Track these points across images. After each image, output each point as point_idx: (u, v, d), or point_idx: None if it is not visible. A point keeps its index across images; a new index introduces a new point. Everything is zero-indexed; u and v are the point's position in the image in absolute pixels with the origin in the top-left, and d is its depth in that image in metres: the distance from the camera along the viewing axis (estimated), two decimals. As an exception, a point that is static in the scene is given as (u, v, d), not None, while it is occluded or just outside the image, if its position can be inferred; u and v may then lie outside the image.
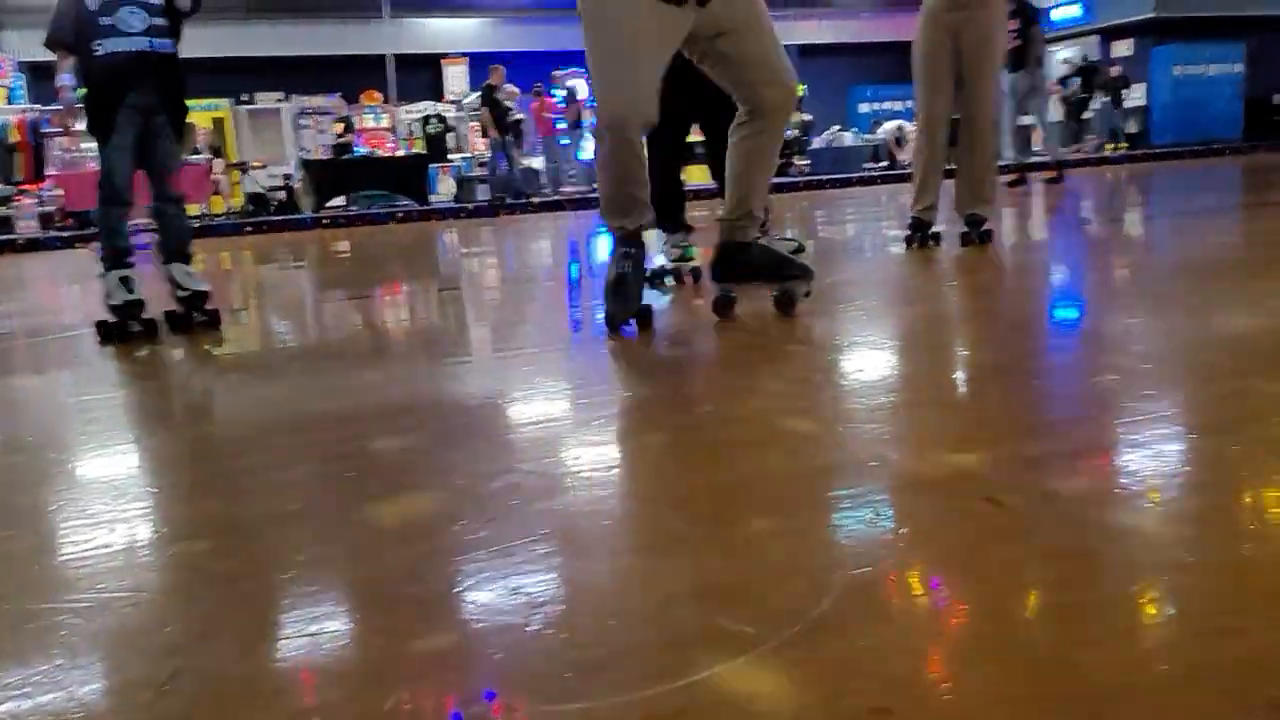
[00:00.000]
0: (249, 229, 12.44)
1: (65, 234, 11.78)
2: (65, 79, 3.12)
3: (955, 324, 2.77)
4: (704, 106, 3.51)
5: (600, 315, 2.65)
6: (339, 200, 14.05)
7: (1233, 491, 1.24)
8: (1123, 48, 19.62)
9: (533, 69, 17.78)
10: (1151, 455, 1.37)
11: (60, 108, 3.25)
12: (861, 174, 16.34)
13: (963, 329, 2.70)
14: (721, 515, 1.23)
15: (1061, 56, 21.90)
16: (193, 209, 13.66)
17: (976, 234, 4.34)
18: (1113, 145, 18.41)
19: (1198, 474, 1.32)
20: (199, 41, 16.02)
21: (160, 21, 3.12)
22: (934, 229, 4.46)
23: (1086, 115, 19.14)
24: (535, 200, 13.29)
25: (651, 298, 2.84)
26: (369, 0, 17.18)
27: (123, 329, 3.12)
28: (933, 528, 1.16)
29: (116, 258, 3.18)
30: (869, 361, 2.21)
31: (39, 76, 17.19)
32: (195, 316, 3.26)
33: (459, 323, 3.58)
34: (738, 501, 1.28)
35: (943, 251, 4.28)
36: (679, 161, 3.62)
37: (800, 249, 3.66)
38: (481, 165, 17.15)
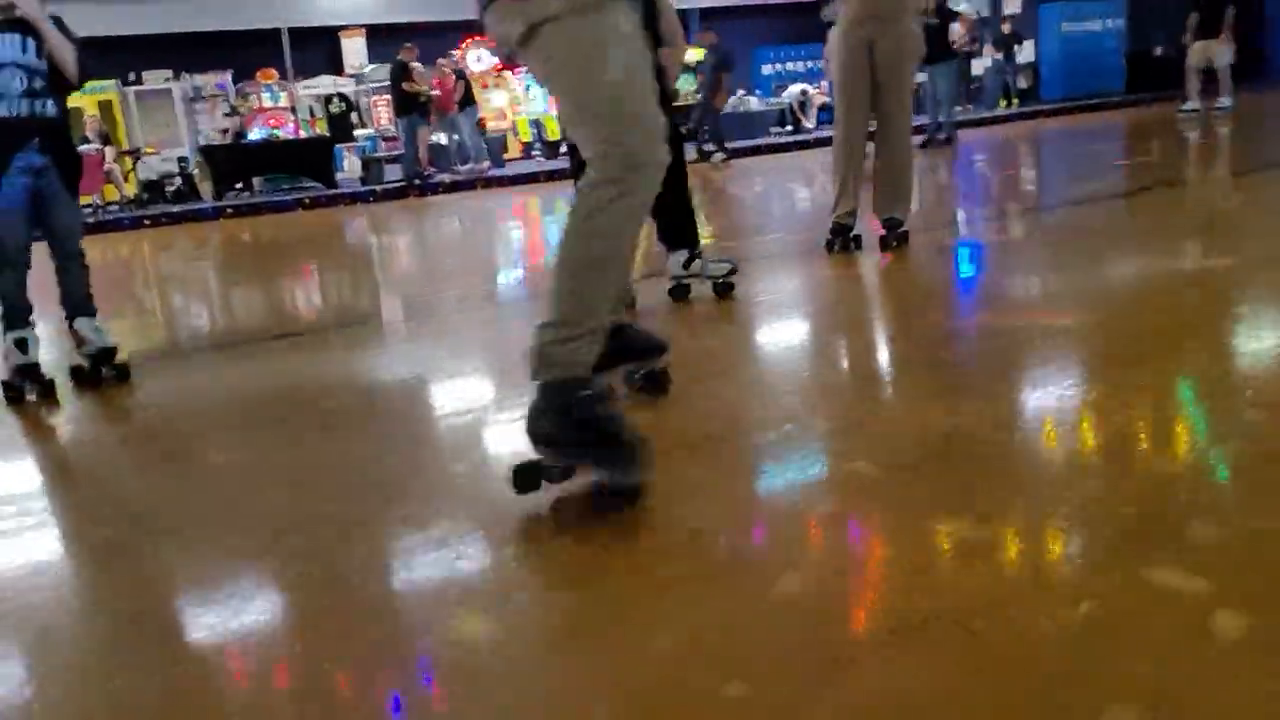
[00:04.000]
0: (147, 221, 12.02)
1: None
2: None
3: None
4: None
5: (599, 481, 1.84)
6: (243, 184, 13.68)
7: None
8: (1012, 4, 20.19)
9: (434, 40, 17.45)
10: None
11: None
12: (771, 140, 16.52)
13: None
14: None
15: (956, 8, 22.54)
16: (85, 199, 13.14)
17: (894, 236, 4.55)
18: (1005, 102, 19.02)
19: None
20: (81, 20, 15.24)
21: (41, 84, 3.08)
22: (854, 233, 4.65)
23: (977, 73, 19.74)
24: (447, 180, 13.13)
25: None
26: (259, -33, 16.53)
27: (19, 394, 3.13)
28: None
29: (12, 319, 3.17)
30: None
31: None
32: (104, 372, 3.25)
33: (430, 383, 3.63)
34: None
35: (862, 256, 4.49)
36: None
37: (734, 270, 3.81)
38: (386, 140, 16.85)
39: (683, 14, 22.13)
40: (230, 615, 1.52)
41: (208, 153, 13.61)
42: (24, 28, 3.05)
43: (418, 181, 12.96)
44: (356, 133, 16.48)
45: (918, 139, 10.57)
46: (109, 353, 3.26)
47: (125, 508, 2.16)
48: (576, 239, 1.83)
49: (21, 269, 3.16)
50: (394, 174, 14.12)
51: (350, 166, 15.18)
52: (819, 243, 4.66)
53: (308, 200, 12.65)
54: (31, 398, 3.15)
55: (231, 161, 13.47)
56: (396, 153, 14.92)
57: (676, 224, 3.78)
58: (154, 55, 17.31)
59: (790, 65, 21.33)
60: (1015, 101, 19.00)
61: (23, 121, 3.06)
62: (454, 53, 16.69)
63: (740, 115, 18.42)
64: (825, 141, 13.65)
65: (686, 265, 3.79)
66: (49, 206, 3.17)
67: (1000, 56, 19.06)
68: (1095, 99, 18.07)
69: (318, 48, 18.49)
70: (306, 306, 5.03)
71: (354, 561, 1.70)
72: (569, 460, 1.85)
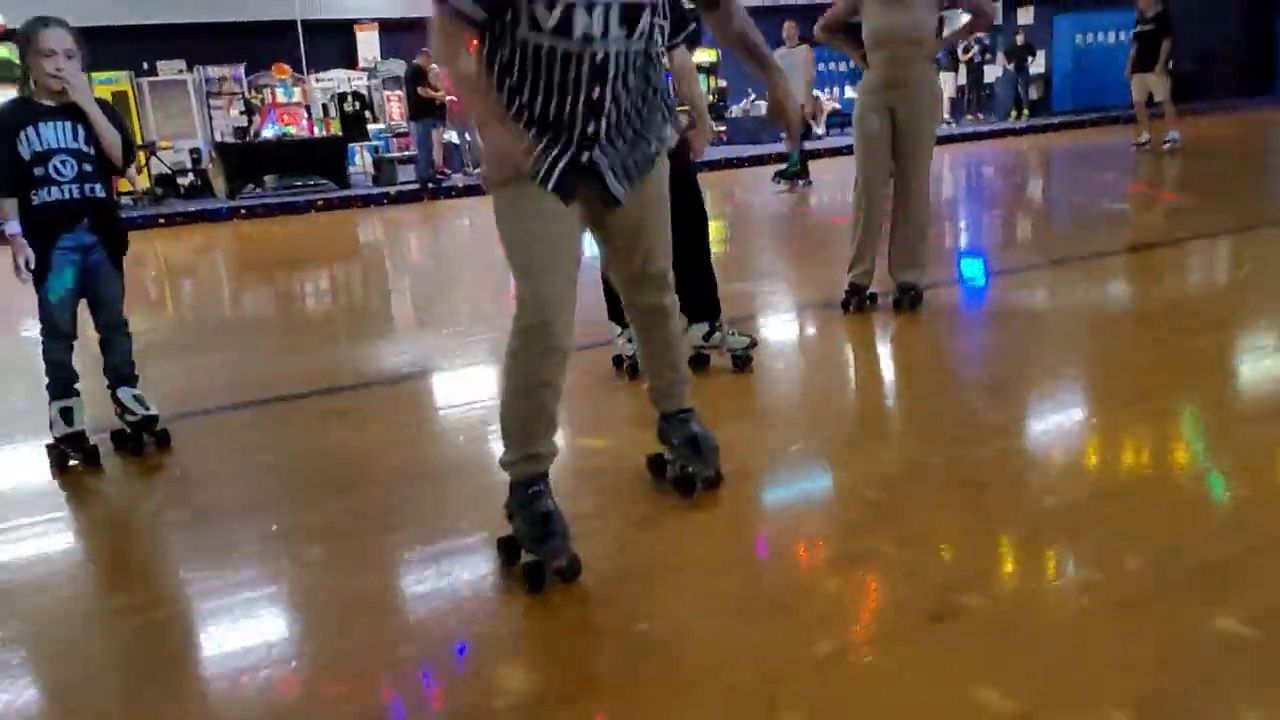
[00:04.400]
0: (161, 220, 12.10)
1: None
2: (11, 226, 3.17)
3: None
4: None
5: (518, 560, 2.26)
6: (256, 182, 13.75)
7: None
8: (1025, 15, 20.19)
9: (447, 35, 17.43)
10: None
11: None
12: (781, 147, 16.48)
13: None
14: None
15: (966, 18, 22.55)
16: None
17: (908, 299, 4.65)
18: (1016, 112, 19.06)
19: None
20: (94, 9, 15.35)
21: (90, 168, 3.19)
22: (869, 291, 4.75)
23: (989, 81, 19.79)
24: (460, 184, 13.20)
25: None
26: (274, -40, 16.52)
27: (63, 459, 3.26)
28: None
29: (59, 389, 3.28)
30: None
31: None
32: (145, 439, 3.37)
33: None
34: None
35: (877, 319, 4.59)
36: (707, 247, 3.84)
37: (753, 344, 3.91)
38: (398, 136, 16.90)
39: (694, 16, 22.01)
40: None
41: (222, 150, 13.67)
42: (75, 114, 3.14)
43: (431, 185, 13.03)
44: (369, 128, 16.52)
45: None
46: (151, 420, 3.36)
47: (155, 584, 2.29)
48: (505, 371, 2.24)
49: (68, 341, 3.27)
50: (406, 174, 14.19)
51: (362, 162, 15.25)
52: (836, 299, 4.76)
53: (320, 202, 12.73)
54: (75, 463, 3.26)
55: (245, 159, 13.54)
56: (409, 153, 14.99)
57: (697, 298, 3.87)
58: (168, 45, 17.34)
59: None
60: (1026, 112, 19.04)
61: (74, 204, 3.16)
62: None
63: (751, 120, 18.45)
64: (836, 151, 13.78)
65: (707, 337, 3.89)
66: (95, 279, 3.27)
67: (1011, 67, 19.11)
68: (1105, 112, 18.12)
69: (331, 40, 18.50)
70: (344, 353, 5.10)
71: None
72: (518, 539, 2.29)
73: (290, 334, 5.71)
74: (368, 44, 18.46)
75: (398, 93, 17.97)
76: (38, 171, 3.12)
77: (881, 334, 4.45)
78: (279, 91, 16.17)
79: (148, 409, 3.36)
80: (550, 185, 2.18)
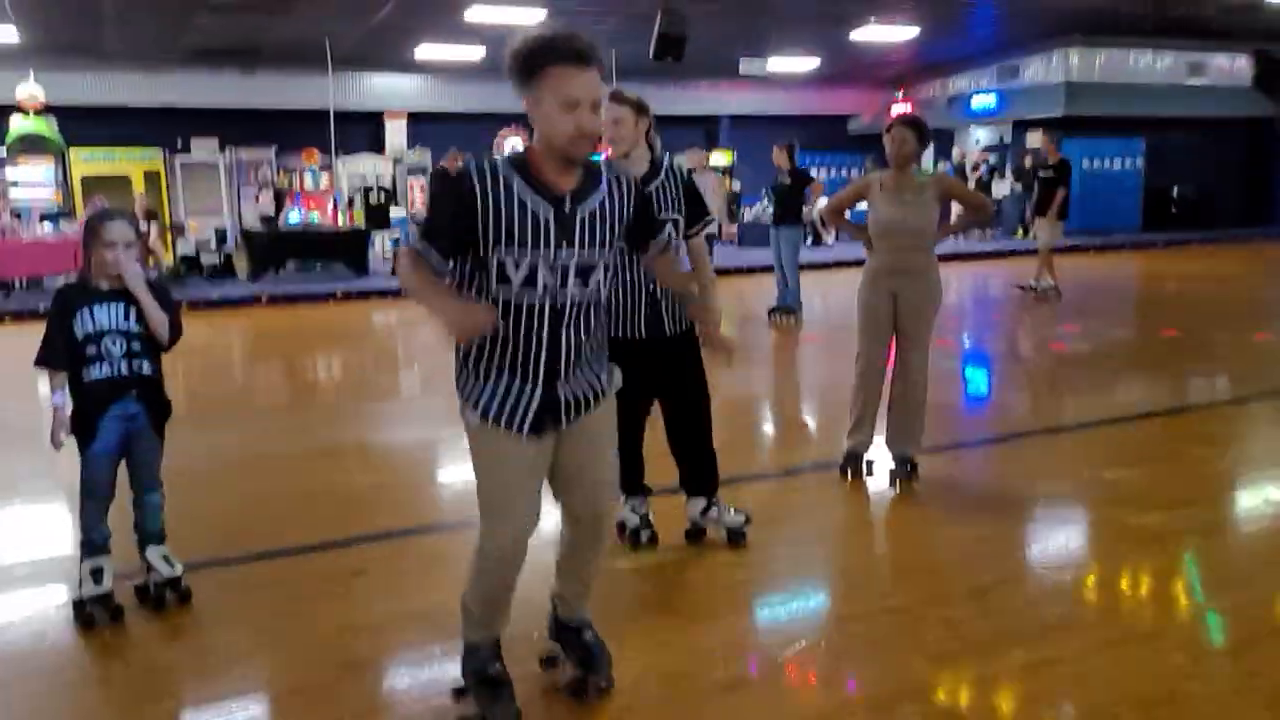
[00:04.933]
0: (186, 306, 12.40)
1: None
2: (57, 398, 3.40)
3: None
4: (666, 389, 3.93)
5: None
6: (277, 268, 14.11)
7: None
8: (1034, 139, 20.74)
9: (473, 128, 18.04)
10: None
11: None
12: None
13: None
14: None
15: (976, 136, 23.16)
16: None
17: (904, 471, 4.83)
18: (1022, 232, 19.46)
19: None
20: (132, 91, 15.93)
21: (139, 347, 3.42)
22: (866, 459, 4.94)
23: (997, 197, 20.26)
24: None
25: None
26: (312, 53, 17.18)
27: (91, 619, 3.42)
28: None
29: (91, 548, 3.46)
30: None
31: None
32: (168, 595, 3.54)
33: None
34: None
35: (873, 487, 4.77)
36: (640, 432, 4.02)
37: (748, 521, 4.06)
38: (418, 224, 17.34)
39: (712, 120, 22.83)
40: None
41: (247, 236, 14.09)
42: (127, 297, 3.38)
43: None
44: (391, 213, 16.94)
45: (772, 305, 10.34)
46: (176, 580, 3.53)
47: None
48: (471, 569, 2.63)
49: (105, 503, 3.45)
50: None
51: (382, 247, 15.63)
52: (834, 465, 4.94)
53: (339, 294, 13.04)
54: (101, 622, 3.40)
55: (269, 245, 13.94)
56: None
57: (695, 471, 4.05)
58: (202, 125, 17.93)
59: (817, 171, 21.86)
60: (1035, 234, 19.42)
61: (122, 380, 3.38)
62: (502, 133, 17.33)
63: (762, 227, 18.82)
64: (847, 263, 14.05)
65: (704, 512, 4.06)
66: (135, 442, 3.47)
67: (1020, 186, 19.57)
68: (1110, 236, 18.55)
69: (361, 127, 19.11)
70: (376, 498, 5.24)
71: None
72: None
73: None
74: (396, 132, 19.04)
75: (421, 180, 18.52)
76: (90, 351, 3.34)
77: (876, 511, 4.64)
78: (307, 177, 16.66)
79: (173, 568, 3.53)
80: (525, 430, 2.48)
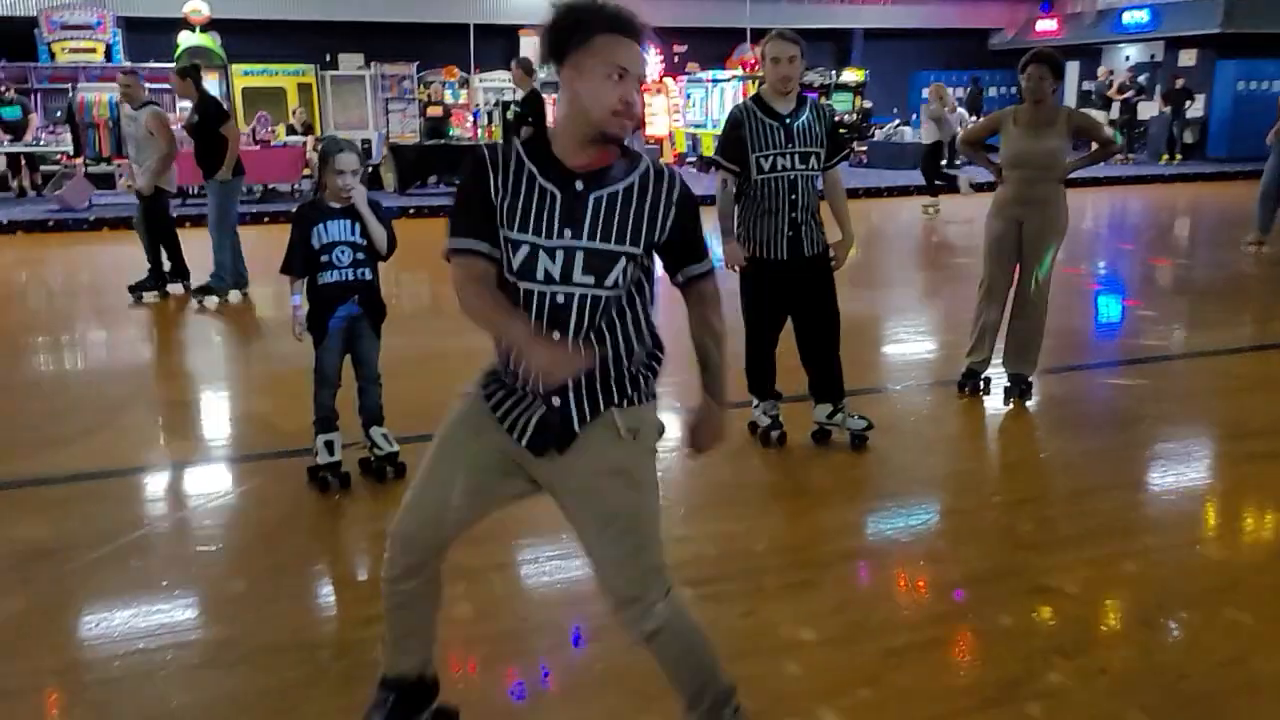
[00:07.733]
0: (341, 213, 13.35)
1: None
2: (296, 300, 4.08)
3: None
4: (801, 306, 4.40)
5: None
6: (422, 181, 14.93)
7: None
8: (1187, 58, 19.76)
9: (604, 45, 18.30)
10: None
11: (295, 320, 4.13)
12: (916, 181, 16.67)
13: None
14: None
15: (1126, 54, 22.12)
16: (284, 187, 14.63)
17: (1018, 390, 5.20)
18: (1166, 157, 18.74)
19: None
20: (286, 5, 16.98)
21: (363, 256, 4.05)
22: (984, 375, 5.32)
23: (1143, 118, 19.45)
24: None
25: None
26: (453, -31, 17.77)
27: (325, 483, 4.14)
28: None
29: (324, 425, 4.15)
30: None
31: (135, 29, 18.06)
32: (388, 470, 4.22)
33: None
34: None
35: (988, 405, 5.16)
36: (774, 344, 4.52)
37: (869, 426, 4.52)
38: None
39: (845, 34, 22.42)
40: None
41: (395, 149, 14.91)
42: (353, 214, 4.01)
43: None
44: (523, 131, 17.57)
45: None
46: (394, 455, 4.24)
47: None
48: None
49: (334, 387, 4.15)
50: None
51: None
52: (953, 376, 5.35)
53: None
54: (333, 486, 4.14)
55: (414, 159, 14.73)
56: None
57: (823, 379, 4.50)
58: (350, 41, 18.81)
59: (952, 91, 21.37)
60: (1178, 157, 18.71)
61: (349, 284, 4.04)
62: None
63: (892, 146, 18.68)
64: (978, 186, 13.95)
65: (830, 417, 4.54)
66: (357, 341, 4.15)
67: (1168, 109, 18.77)
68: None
69: (496, 44, 19.68)
70: None
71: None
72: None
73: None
74: (530, 48, 19.51)
75: (554, 96, 18.98)
76: (324, 259, 4.00)
77: (989, 424, 5.04)
78: (447, 93, 17.35)
79: (392, 446, 4.23)
80: (525, 441, 2.14)
